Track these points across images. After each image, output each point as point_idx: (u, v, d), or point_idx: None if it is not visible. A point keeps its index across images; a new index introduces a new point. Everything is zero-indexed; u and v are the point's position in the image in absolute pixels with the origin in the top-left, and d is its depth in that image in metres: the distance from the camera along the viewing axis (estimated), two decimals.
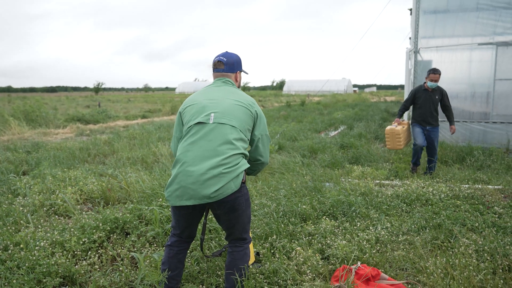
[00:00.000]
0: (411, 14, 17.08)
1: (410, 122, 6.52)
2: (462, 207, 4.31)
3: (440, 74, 5.97)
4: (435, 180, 5.65)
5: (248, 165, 2.53)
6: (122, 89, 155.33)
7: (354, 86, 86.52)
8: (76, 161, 7.51)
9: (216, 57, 2.74)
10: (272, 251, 3.25)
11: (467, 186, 5.20)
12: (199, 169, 2.32)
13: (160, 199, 4.14)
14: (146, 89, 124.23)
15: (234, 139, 2.44)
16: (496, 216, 4.08)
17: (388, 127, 6.33)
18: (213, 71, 2.76)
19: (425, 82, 6.12)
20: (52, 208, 4.44)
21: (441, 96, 6.16)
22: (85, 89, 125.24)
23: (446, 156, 7.28)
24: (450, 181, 5.65)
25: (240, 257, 2.58)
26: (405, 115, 9.23)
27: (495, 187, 5.22)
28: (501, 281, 2.69)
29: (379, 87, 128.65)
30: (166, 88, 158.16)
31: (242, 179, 2.45)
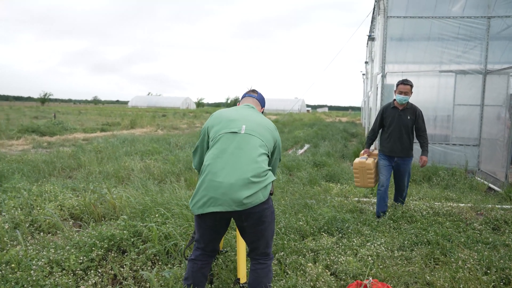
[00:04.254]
0: (369, 40, 18.00)
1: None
2: (445, 224, 4.56)
3: (411, 86, 4.88)
4: (410, 198, 5.93)
5: (275, 178, 2.58)
6: (70, 100, 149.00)
7: (307, 106, 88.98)
8: (41, 174, 7.10)
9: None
10: (281, 268, 3.25)
11: (441, 204, 5.50)
12: (229, 177, 2.33)
13: (157, 214, 4.01)
14: (96, 101, 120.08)
15: (262, 152, 2.51)
16: (478, 232, 4.35)
17: (357, 160, 5.05)
18: (244, 96, 2.94)
19: (394, 99, 5.04)
20: (34, 225, 4.16)
21: (415, 117, 4.93)
22: (29, 99, 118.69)
23: (414, 175, 7.66)
24: (423, 199, 5.95)
25: (264, 275, 2.56)
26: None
27: (467, 205, 5.56)
28: None
29: (330, 108, 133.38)
30: (117, 101, 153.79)
31: (270, 191, 2.49)
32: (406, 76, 9.20)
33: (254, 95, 2.93)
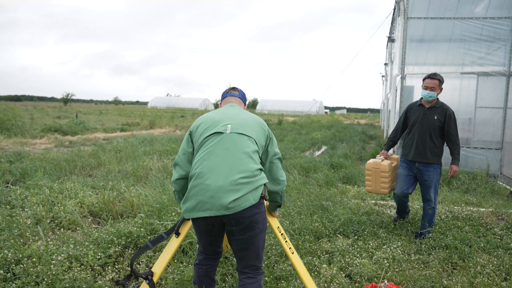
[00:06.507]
0: (388, 41, 17.72)
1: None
2: (464, 228, 4.47)
3: (440, 81, 4.21)
4: None
5: (267, 180, 2.41)
6: (91, 101, 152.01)
7: (325, 108, 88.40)
8: (63, 172, 7.27)
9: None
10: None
11: (460, 208, 5.40)
12: (217, 180, 2.20)
13: (174, 213, 4.06)
14: (116, 102, 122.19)
15: (252, 150, 2.34)
16: (498, 237, 4.25)
17: (371, 160, 4.51)
18: (226, 96, 2.76)
19: (421, 97, 4.40)
20: (55, 221, 4.27)
21: (444, 119, 4.24)
22: (52, 99, 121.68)
23: None
24: (442, 203, 5.85)
25: None
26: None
27: (488, 209, 5.44)
28: None
29: (348, 110, 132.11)
30: (137, 102, 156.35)
31: (261, 194, 2.32)
32: None
33: (235, 93, 2.76)
